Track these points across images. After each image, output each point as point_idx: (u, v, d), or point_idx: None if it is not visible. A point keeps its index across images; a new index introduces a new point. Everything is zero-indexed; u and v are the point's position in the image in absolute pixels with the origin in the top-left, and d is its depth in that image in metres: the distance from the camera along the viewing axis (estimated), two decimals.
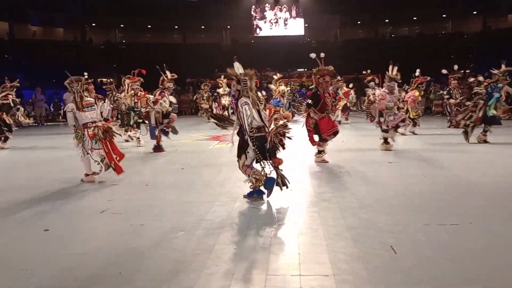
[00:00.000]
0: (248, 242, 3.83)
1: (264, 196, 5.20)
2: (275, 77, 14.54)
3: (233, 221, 4.46)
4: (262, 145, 5.09)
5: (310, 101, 7.75)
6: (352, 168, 7.20)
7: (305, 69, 27.25)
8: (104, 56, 31.06)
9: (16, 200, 5.58)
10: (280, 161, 5.19)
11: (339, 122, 13.89)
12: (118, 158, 6.55)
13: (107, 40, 35.37)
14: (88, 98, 6.56)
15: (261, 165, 5.20)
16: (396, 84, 9.12)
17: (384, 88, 9.16)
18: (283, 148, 5.19)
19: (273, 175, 5.20)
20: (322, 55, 7.64)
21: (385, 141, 9.04)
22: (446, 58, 24.44)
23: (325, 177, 6.63)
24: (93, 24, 35.50)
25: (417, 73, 11.93)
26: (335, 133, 7.67)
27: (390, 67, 9.08)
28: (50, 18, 32.33)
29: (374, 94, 9.15)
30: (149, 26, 36.07)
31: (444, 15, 34.49)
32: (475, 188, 5.70)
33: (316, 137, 7.80)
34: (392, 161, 7.70)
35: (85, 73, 7.90)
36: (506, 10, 30.60)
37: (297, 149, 9.17)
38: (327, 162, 7.62)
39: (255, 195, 5.21)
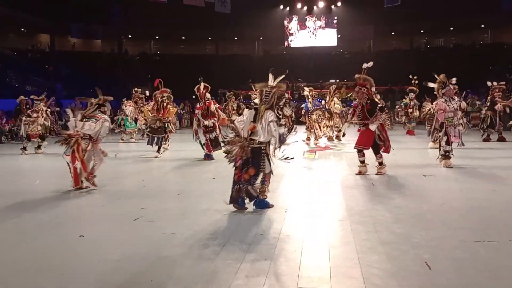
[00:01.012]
0: (279, 254, 3.81)
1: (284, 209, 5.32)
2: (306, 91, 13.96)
3: (264, 232, 4.44)
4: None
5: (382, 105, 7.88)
6: (385, 181, 7.07)
7: (337, 80, 27.09)
8: (139, 67, 31.84)
9: (50, 205, 5.74)
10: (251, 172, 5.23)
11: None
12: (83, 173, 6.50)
13: (143, 51, 36.26)
14: (96, 112, 6.75)
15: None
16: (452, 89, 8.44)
17: (441, 97, 8.39)
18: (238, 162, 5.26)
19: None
20: (370, 64, 7.62)
21: (445, 155, 8.22)
22: (485, 69, 23.77)
23: (357, 189, 6.52)
24: (130, 36, 36.48)
25: (453, 81, 11.65)
26: (359, 151, 7.60)
27: (442, 76, 8.56)
28: (89, 30, 33.45)
29: (432, 106, 8.58)
30: (183, 38, 36.76)
31: (482, 25, 33.57)
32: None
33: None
34: (427, 175, 7.51)
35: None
36: None
37: (331, 161, 9.09)
38: (363, 174, 7.53)
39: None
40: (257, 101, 5.99)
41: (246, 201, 5.28)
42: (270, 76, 5.40)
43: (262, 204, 5.35)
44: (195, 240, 4.20)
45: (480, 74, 19.81)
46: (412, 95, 14.06)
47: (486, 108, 12.61)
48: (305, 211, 5.30)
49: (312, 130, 12.43)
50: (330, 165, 8.90)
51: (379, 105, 7.63)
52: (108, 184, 6.84)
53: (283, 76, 5.49)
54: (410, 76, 13.10)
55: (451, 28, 34.26)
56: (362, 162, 7.65)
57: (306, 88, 14.07)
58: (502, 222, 4.68)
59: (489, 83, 12.02)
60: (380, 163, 7.65)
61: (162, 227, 4.66)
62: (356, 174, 7.52)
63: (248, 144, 5.21)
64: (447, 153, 8.17)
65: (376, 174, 7.53)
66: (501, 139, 12.31)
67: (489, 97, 12.67)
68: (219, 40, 37.48)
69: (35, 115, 11.47)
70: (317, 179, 7.37)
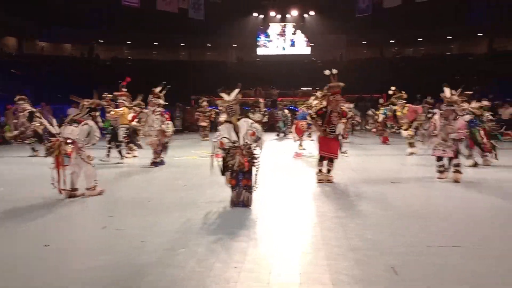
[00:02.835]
0: (249, 260, 3.81)
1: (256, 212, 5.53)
2: (318, 94, 13.61)
3: (235, 239, 4.43)
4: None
5: (313, 114, 7.73)
6: (356, 188, 7.16)
7: (311, 88, 27.38)
8: (111, 72, 31.37)
9: (13, 214, 5.57)
10: (230, 182, 5.72)
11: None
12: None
13: (114, 56, 35.77)
14: (86, 116, 6.65)
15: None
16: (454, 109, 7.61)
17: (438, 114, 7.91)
18: (243, 168, 5.62)
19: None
20: (335, 71, 7.48)
21: (440, 170, 7.76)
22: (452, 79, 24.42)
23: (328, 196, 6.59)
24: (100, 41, 35.95)
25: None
26: (331, 159, 7.59)
27: (447, 90, 7.73)
28: (59, 34, 32.78)
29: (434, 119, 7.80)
30: (155, 43, 36.49)
31: (449, 36, 34.65)
32: (479, 209, 5.66)
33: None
34: (394, 181, 7.66)
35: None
36: None
37: (301, 168, 9.17)
38: (332, 182, 7.56)
39: None
40: (224, 116, 6.38)
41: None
42: (224, 95, 6.02)
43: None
44: (166, 248, 4.16)
45: (448, 84, 20.39)
46: (391, 107, 14.00)
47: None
48: (276, 218, 5.31)
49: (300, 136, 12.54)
50: (303, 172, 8.96)
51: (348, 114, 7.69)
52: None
53: (238, 90, 6.06)
54: (393, 88, 12.98)
55: (420, 39, 35.19)
56: (329, 171, 7.66)
57: (318, 93, 14.06)
58: (465, 227, 4.82)
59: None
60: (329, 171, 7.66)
61: (132, 235, 4.58)
62: (328, 181, 7.55)
63: (246, 149, 5.67)
64: (457, 167, 7.51)
65: (328, 181, 7.52)
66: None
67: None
68: (192, 47, 37.38)
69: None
70: (289, 186, 7.41)
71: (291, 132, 14.11)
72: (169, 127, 9.72)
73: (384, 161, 10.68)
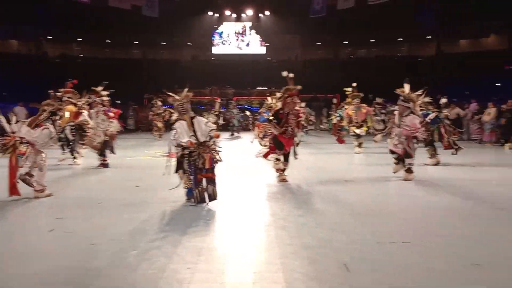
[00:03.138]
0: (202, 261, 3.77)
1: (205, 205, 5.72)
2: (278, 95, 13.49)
3: (188, 240, 4.37)
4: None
5: (272, 118, 7.75)
6: (310, 186, 7.26)
7: (266, 88, 27.57)
8: (60, 70, 30.17)
9: None
10: (206, 176, 5.78)
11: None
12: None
13: (63, 53, 34.40)
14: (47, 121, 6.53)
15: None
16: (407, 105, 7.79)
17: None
18: (209, 164, 5.77)
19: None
20: (292, 75, 7.57)
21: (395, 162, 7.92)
22: (402, 80, 25.21)
23: (282, 195, 6.64)
24: (49, 37, 34.46)
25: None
26: (286, 159, 7.63)
27: (407, 86, 7.97)
28: (4, 31, 31.16)
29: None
30: (107, 41, 35.46)
31: (400, 38, 35.87)
32: (427, 206, 5.88)
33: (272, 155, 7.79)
34: (348, 179, 7.83)
35: None
36: (459, 36, 32.25)
37: (256, 167, 9.19)
38: (286, 181, 7.60)
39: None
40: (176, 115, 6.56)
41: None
42: (173, 94, 6.20)
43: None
44: (116, 250, 4.04)
45: (398, 85, 21.11)
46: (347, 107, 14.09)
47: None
48: (230, 217, 5.30)
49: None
50: (258, 171, 8.98)
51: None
52: (23, 194, 6.36)
53: (187, 89, 6.24)
54: (354, 85, 13.08)
55: (372, 40, 36.20)
56: (283, 170, 7.66)
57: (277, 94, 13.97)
58: (414, 223, 4.99)
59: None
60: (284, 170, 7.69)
61: (82, 238, 4.43)
62: (282, 181, 7.57)
63: (209, 146, 5.84)
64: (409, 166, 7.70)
65: (280, 181, 7.54)
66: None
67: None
68: (146, 45, 36.64)
69: None
70: (244, 185, 7.42)
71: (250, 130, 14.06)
72: (112, 126, 9.50)
73: (338, 160, 10.90)
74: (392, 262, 3.75)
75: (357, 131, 12.12)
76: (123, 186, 7.42)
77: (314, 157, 11.24)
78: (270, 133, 8.16)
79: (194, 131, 5.87)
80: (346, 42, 36.85)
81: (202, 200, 5.77)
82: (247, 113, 19.94)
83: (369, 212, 5.48)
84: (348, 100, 12.79)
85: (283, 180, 7.61)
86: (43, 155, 6.42)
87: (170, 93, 6.29)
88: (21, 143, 6.17)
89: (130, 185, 7.43)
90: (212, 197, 5.81)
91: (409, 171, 7.70)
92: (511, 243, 4.30)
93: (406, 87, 7.95)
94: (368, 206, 5.84)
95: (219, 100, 18.83)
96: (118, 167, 9.45)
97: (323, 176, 8.22)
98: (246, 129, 20.76)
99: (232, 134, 19.00)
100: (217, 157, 5.89)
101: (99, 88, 9.41)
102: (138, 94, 25.97)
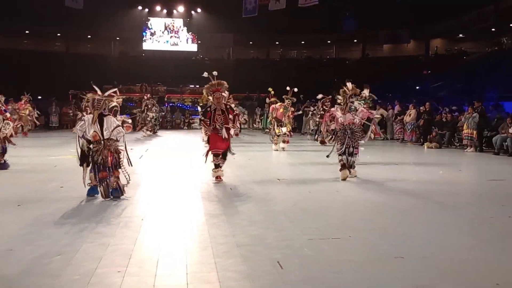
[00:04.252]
0: (133, 264, 3.63)
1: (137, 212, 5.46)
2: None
3: (117, 242, 4.20)
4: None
5: (201, 116, 7.71)
6: (243, 185, 7.28)
7: (197, 86, 27.29)
8: None
9: None
10: (102, 175, 5.89)
11: None
12: None
13: None
14: None
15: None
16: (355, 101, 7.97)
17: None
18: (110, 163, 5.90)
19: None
20: (215, 73, 7.53)
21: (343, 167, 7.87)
22: (330, 81, 26.27)
23: (214, 194, 6.61)
24: None
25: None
26: (216, 154, 7.51)
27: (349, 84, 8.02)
28: None
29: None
30: (26, 32, 33.11)
31: (329, 41, 37.13)
32: (355, 203, 6.12)
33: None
34: (280, 178, 7.96)
35: None
36: (383, 41, 34.04)
37: (191, 165, 9.07)
38: (221, 179, 7.52)
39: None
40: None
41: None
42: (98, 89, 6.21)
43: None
44: (37, 256, 3.78)
45: (326, 85, 21.92)
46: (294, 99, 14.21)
47: (319, 116, 14.23)
48: (162, 218, 5.18)
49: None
50: (189, 170, 8.87)
51: (235, 111, 7.77)
52: None
53: (115, 89, 6.54)
54: (295, 90, 13.26)
55: (302, 42, 37.14)
56: (218, 166, 7.57)
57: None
58: (343, 220, 5.17)
59: (319, 96, 12.96)
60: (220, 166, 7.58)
61: None
62: (216, 179, 7.50)
63: (111, 144, 5.94)
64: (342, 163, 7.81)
65: (216, 180, 7.45)
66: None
67: (320, 107, 14.17)
68: (70, 38, 34.74)
69: None
70: (175, 185, 7.28)
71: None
72: (7, 127, 8.85)
73: (271, 159, 11.05)
74: (322, 257, 3.85)
75: (283, 129, 12.44)
76: (45, 187, 6.97)
77: (247, 156, 11.29)
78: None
79: (100, 128, 5.94)
80: (278, 42, 37.49)
81: (105, 197, 5.89)
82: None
83: (300, 210, 5.59)
84: (285, 99, 12.92)
85: (218, 177, 7.50)
86: None
87: (95, 88, 6.20)
88: None
89: (53, 186, 7.01)
90: (117, 193, 5.94)
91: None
92: (432, 236, 4.58)
93: (349, 85, 8.02)
94: (298, 203, 5.96)
95: (147, 97, 18.33)
96: (39, 168, 8.88)
97: (256, 175, 8.28)
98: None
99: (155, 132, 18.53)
100: (119, 157, 6.00)
101: None
102: (61, 89, 24.58)
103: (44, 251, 3.89)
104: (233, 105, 8.68)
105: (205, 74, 7.59)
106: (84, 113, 6.55)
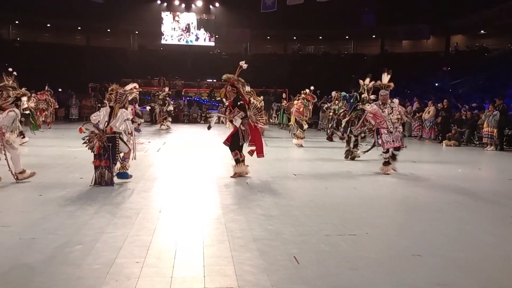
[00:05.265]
0: (151, 255, 3.69)
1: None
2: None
3: (136, 233, 4.26)
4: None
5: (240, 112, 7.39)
6: (259, 180, 7.30)
7: (214, 80, 27.38)
8: None
9: None
10: (95, 163, 6.38)
11: None
12: None
13: None
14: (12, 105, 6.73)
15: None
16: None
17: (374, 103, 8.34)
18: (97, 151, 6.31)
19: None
20: (244, 64, 7.44)
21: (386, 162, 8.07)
22: (348, 76, 26.09)
23: (231, 188, 6.64)
24: None
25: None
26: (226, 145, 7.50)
27: (384, 74, 8.23)
28: None
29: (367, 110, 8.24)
30: (48, 25, 33.62)
31: (347, 36, 36.81)
32: (372, 200, 6.09)
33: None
34: (296, 174, 7.95)
35: None
36: (402, 36, 33.59)
37: (208, 159, 9.12)
38: (243, 175, 7.39)
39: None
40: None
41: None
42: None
43: (123, 176, 6.64)
44: (59, 245, 3.87)
45: (344, 81, 21.79)
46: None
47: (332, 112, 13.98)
48: (179, 211, 5.24)
49: None
50: (206, 164, 8.92)
51: (240, 103, 7.34)
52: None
53: (135, 84, 7.06)
54: (312, 88, 13.22)
55: (320, 37, 36.87)
56: (238, 161, 7.43)
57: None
58: (359, 216, 5.14)
59: (333, 93, 12.84)
60: (237, 161, 7.42)
61: (19, 232, 4.20)
62: (233, 176, 7.38)
63: (104, 135, 6.31)
64: (386, 160, 8.03)
65: (232, 176, 7.34)
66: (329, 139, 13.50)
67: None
68: (90, 31, 35.15)
69: None
70: (192, 179, 7.34)
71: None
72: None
73: (286, 155, 11.04)
74: (339, 254, 3.85)
75: (305, 125, 12.47)
76: (65, 178, 7.10)
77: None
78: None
79: (109, 119, 6.37)
80: (295, 37, 37.30)
81: (96, 184, 6.28)
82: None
83: (316, 205, 5.58)
84: (300, 96, 12.92)
85: (235, 174, 7.37)
86: (11, 138, 6.62)
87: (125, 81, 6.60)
88: None
89: (73, 176, 7.14)
90: (108, 182, 6.30)
91: (387, 163, 8.00)
92: (451, 234, 4.54)
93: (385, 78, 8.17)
94: (314, 199, 5.95)
95: (166, 90, 18.45)
96: (62, 160, 9.05)
97: (272, 170, 8.28)
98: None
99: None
100: (109, 147, 6.29)
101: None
102: (81, 82, 24.93)
103: (66, 241, 3.98)
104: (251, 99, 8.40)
105: (242, 64, 7.45)
106: (106, 102, 6.81)
